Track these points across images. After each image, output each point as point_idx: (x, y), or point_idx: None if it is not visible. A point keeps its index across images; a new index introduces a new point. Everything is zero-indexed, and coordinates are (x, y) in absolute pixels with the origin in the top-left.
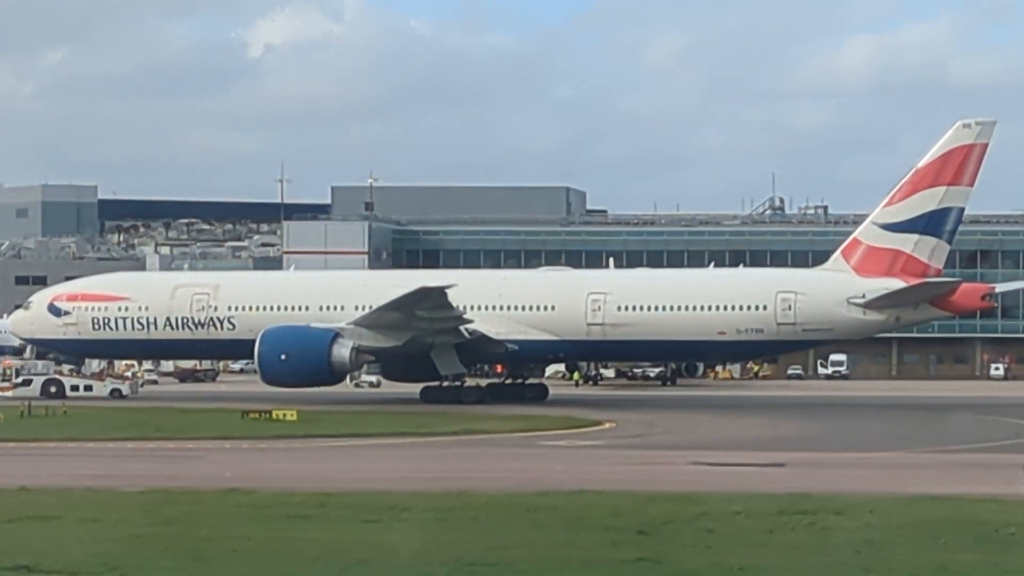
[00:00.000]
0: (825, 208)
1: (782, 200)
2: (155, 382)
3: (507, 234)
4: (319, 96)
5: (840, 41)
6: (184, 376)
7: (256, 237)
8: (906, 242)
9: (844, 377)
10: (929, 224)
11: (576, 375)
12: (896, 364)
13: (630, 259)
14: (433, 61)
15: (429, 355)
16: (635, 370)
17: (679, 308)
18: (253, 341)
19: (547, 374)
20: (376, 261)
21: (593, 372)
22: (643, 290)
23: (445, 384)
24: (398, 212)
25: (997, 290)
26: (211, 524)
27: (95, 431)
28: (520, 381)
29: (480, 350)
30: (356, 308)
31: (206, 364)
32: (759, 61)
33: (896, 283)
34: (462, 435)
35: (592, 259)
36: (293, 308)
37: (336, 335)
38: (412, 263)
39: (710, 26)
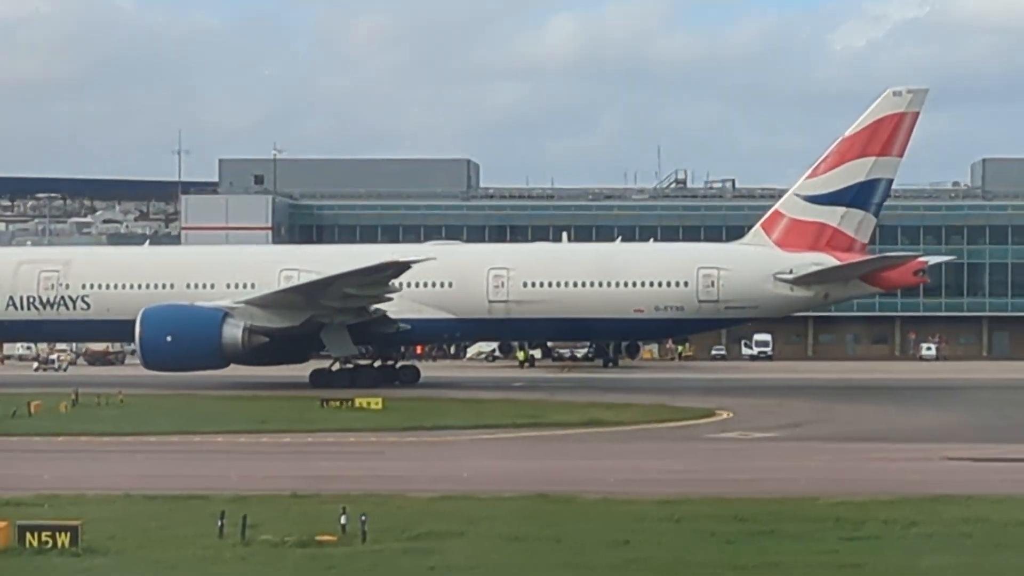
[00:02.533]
0: (733, 182)
1: (686, 173)
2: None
3: (407, 209)
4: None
5: (542, 21)
6: (94, 359)
7: (99, 212)
8: (832, 215)
9: (769, 358)
10: (857, 196)
11: (522, 355)
12: (812, 344)
13: (535, 234)
14: (135, 37)
15: (307, 336)
16: (560, 351)
17: (591, 284)
18: (110, 323)
19: (469, 355)
20: (277, 236)
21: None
22: (551, 265)
23: (336, 367)
24: (290, 186)
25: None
26: (669, 543)
27: (192, 422)
28: (392, 363)
29: (370, 330)
30: (228, 286)
31: (116, 347)
32: (463, 41)
33: (827, 259)
34: (589, 427)
35: (495, 235)
36: (155, 286)
37: (225, 314)
38: (306, 238)
39: (417, 6)
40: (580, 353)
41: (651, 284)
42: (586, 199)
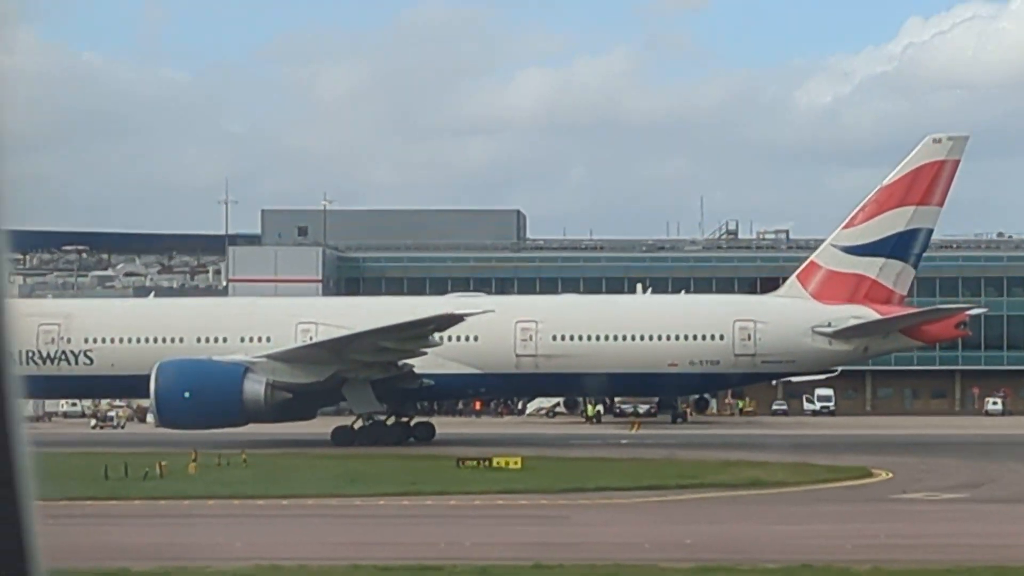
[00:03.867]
0: (787, 232)
1: (736, 224)
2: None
3: (454, 260)
4: None
5: (511, 76)
6: (143, 415)
7: (120, 266)
8: (870, 266)
9: (831, 413)
10: (896, 247)
11: (591, 410)
12: (871, 398)
13: (587, 287)
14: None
15: (330, 392)
16: (623, 407)
17: (623, 337)
18: (115, 378)
19: (528, 411)
20: (326, 289)
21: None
22: (581, 318)
23: (358, 424)
24: (333, 237)
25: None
26: None
27: (339, 485)
28: (407, 420)
29: (393, 386)
30: (242, 340)
31: None
32: (431, 98)
33: (866, 311)
34: (753, 488)
35: (547, 287)
36: (163, 340)
37: (247, 369)
38: (352, 291)
39: (384, 62)
40: (643, 408)
41: (686, 337)
42: (639, 250)
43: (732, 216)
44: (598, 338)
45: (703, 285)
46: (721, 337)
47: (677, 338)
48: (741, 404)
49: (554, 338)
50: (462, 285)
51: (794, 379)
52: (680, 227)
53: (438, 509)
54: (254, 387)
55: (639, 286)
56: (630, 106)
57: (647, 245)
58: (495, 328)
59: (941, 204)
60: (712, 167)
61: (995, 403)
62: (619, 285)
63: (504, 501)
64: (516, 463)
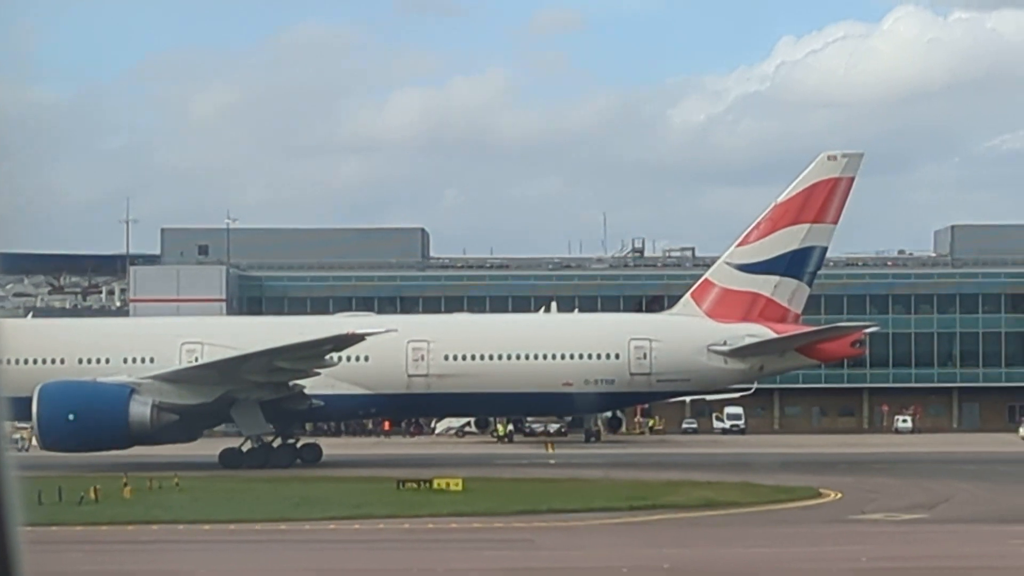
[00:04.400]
0: (693, 250)
1: (643, 243)
2: None
3: (359, 279)
4: None
5: (387, 96)
6: None
7: (9, 286)
8: (765, 284)
9: (742, 431)
10: (791, 265)
11: (501, 429)
12: (779, 417)
13: (493, 305)
14: None
15: (218, 413)
16: (532, 426)
17: (516, 357)
18: None
19: (438, 430)
20: (230, 309)
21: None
22: (474, 337)
23: (247, 446)
24: (235, 256)
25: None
26: None
27: (284, 509)
28: (293, 441)
29: (282, 407)
30: (124, 361)
31: None
32: (307, 117)
33: (761, 329)
34: (707, 509)
35: (452, 305)
36: (43, 361)
37: (132, 391)
38: (254, 311)
39: (260, 82)
40: (553, 428)
41: (580, 356)
42: (546, 268)
43: (605, 233)
44: (491, 357)
45: (610, 303)
46: (616, 356)
47: (572, 357)
48: (651, 422)
49: (446, 358)
50: (366, 304)
51: (708, 397)
52: (573, 245)
53: (395, 533)
54: (140, 409)
55: (553, 304)
56: (506, 126)
57: (553, 263)
58: (386, 348)
59: (835, 222)
60: (588, 186)
61: (904, 421)
62: (525, 304)
63: (458, 524)
64: (457, 485)
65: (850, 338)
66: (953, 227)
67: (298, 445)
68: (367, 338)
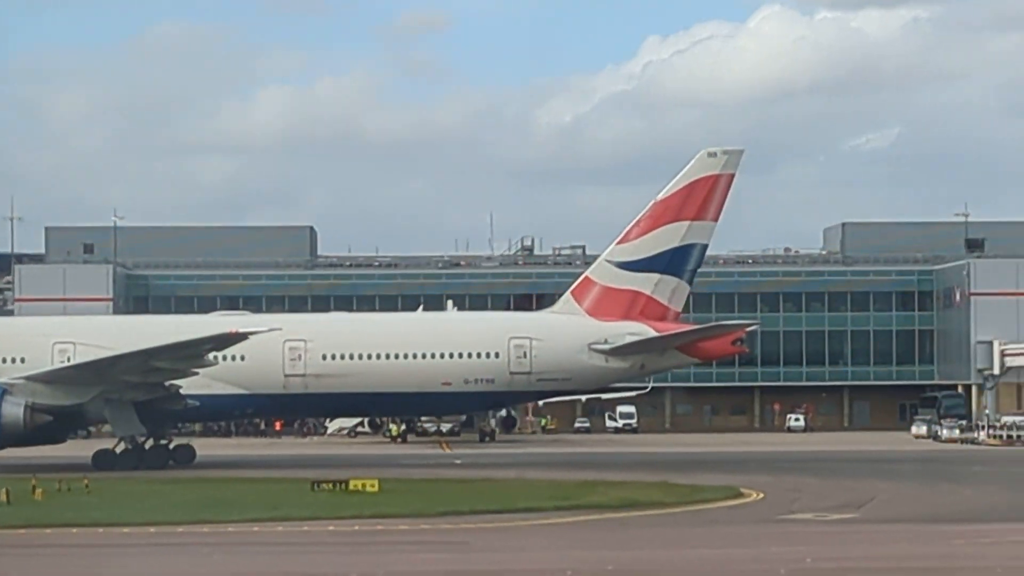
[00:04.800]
0: (583, 248)
1: (532, 241)
2: None
3: (246, 278)
4: None
5: (252, 94)
6: None
7: None
8: (646, 282)
9: (635, 430)
10: (671, 263)
11: (395, 429)
12: (670, 415)
13: (383, 304)
14: None
15: (93, 414)
16: (425, 426)
17: (395, 356)
18: None
19: (330, 430)
20: (116, 308)
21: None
22: (352, 336)
23: (120, 448)
24: (122, 255)
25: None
26: None
27: (199, 511)
28: (166, 443)
29: (156, 407)
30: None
31: None
32: (172, 116)
33: (643, 328)
34: (633, 509)
35: (341, 304)
36: None
37: (4, 391)
38: (141, 310)
39: (123, 80)
40: (446, 427)
41: (459, 355)
42: (435, 267)
43: (492, 232)
44: (369, 357)
45: (500, 302)
46: (496, 355)
47: (451, 356)
48: (544, 422)
49: (324, 357)
50: (254, 304)
51: (603, 396)
52: (448, 244)
53: (323, 536)
54: (13, 410)
55: (449, 303)
56: (372, 125)
57: (443, 262)
58: (262, 347)
59: (716, 219)
60: (454, 185)
61: (797, 419)
62: (416, 302)
63: (384, 527)
64: (373, 486)
65: (730, 336)
66: (844, 224)
67: (171, 446)
68: (249, 337)
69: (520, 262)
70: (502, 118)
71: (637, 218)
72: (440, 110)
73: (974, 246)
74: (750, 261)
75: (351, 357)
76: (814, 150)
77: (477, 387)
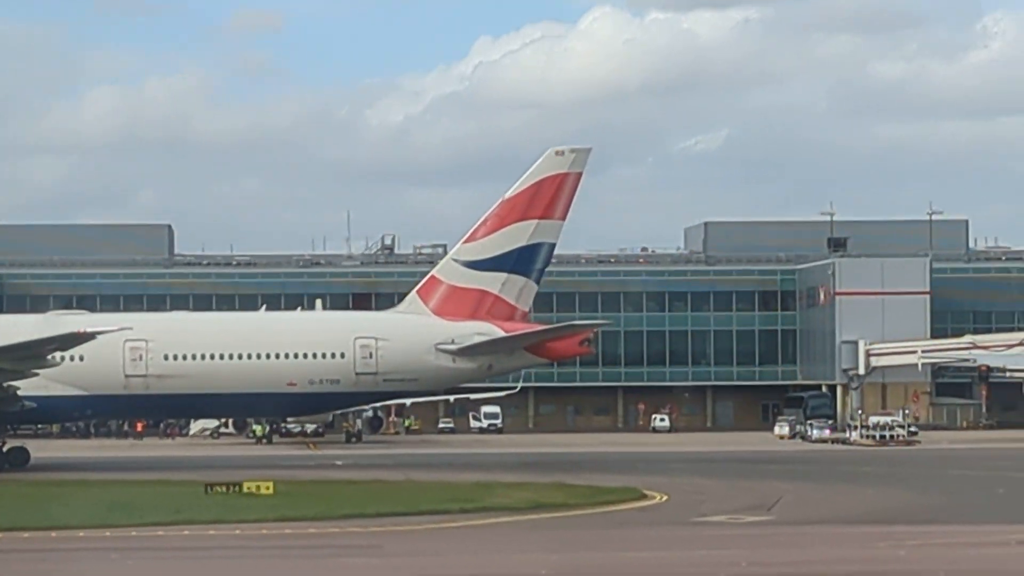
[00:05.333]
0: (444, 247)
1: (393, 239)
2: None
3: (103, 277)
4: None
5: (82, 94)
6: None
7: None
8: (493, 282)
9: (500, 430)
10: (518, 262)
11: (259, 430)
12: (533, 415)
13: (243, 303)
14: None
15: None
16: (288, 427)
17: (239, 356)
18: None
19: (193, 431)
20: None
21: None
22: (195, 336)
23: None
24: None
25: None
26: None
27: (102, 514)
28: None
29: None
30: None
31: None
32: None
33: (490, 328)
34: (540, 511)
35: (200, 303)
36: None
37: None
38: None
39: None
40: (311, 428)
41: (304, 356)
42: (295, 266)
43: (349, 231)
44: (212, 357)
45: (363, 301)
46: (342, 355)
47: (295, 356)
48: (407, 422)
49: (166, 357)
50: (112, 303)
51: (471, 396)
52: (303, 242)
53: (234, 540)
54: None
55: (318, 302)
56: (205, 125)
57: (304, 260)
58: (102, 348)
59: (563, 218)
60: (286, 186)
61: (662, 420)
62: (276, 301)
63: (292, 530)
64: (268, 488)
65: (578, 337)
66: (706, 224)
67: (4, 448)
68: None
69: (381, 261)
70: (333, 119)
71: (484, 217)
72: (273, 111)
73: (837, 245)
74: (612, 261)
75: (194, 357)
76: (644, 152)
77: (322, 388)
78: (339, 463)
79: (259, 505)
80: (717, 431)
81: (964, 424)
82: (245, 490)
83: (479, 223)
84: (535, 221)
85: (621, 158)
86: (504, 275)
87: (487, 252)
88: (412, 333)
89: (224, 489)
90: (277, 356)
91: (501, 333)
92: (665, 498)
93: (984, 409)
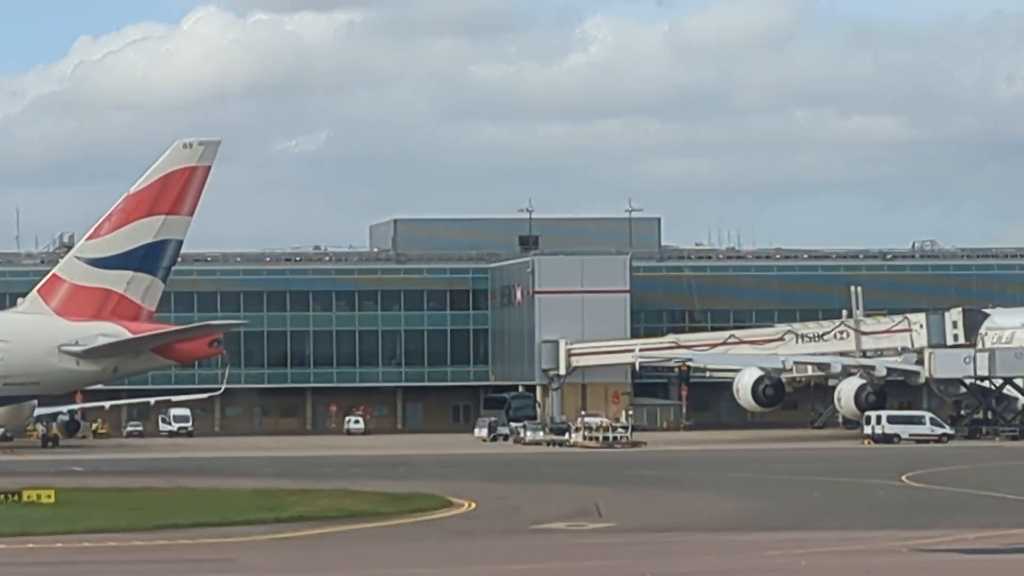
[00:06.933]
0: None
1: (72, 238)
2: None
3: None
4: None
5: None
6: None
7: None
8: (118, 280)
9: (189, 434)
10: (144, 259)
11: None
12: (219, 418)
13: None
14: None
15: None
16: None
17: None
18: None
19: None
20: None
21: None
22: None
23: None
24: None
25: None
26: None
27: None
28: None
29: None
30: None
31: None
32: None
33: (116, 329)
34: (350, 521)
35: None
36: None
37: None
38: None
39: None
40: None
41: None
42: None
43: (19, 227)
44: None
45: None
46: None
47: None
48: (94, 426)
49: None
50: None
51: (174, 399)
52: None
53: (54, 555)
54: None
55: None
56: None
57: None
58: None
59: (191, 213)
60: None
61: (356, 422)
62: None
63: (92, 544)
64: (49, 496)
65: (208, 338)
66: (396, 221)
67: None
68: None
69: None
70: None
71: (109, 212)
72: None
73: (528, 243)
74: (297, 259)
75: None
76: (245, 153)
77: None
78: (79, 469)
79: (52, 515)
80: (408, 433)
81: (665, 425)
82: (26, 499)
83: (103, 218)
84: (162, 217)
85: (222, 158)
86: (130, 273)
87: (112, 249)
88: (33, 334)
89: (2, 498)
90: None
91: (127, 334)
92: (474, 505)
93: (684, 410)
